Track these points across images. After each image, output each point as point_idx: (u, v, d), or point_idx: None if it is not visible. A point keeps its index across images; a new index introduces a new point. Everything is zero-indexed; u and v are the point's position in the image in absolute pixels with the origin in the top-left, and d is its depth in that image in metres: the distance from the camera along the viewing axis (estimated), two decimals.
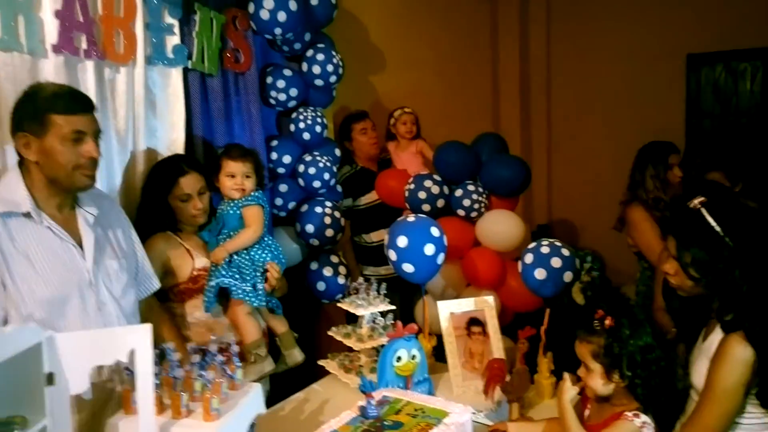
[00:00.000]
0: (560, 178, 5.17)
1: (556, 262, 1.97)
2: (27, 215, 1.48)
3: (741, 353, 1.24)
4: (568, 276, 1.98)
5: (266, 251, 2.15)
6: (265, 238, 2.17)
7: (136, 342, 1.15)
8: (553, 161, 5.30)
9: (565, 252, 1.99)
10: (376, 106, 3.57)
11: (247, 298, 2.02)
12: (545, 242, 2.05)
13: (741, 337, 1.26)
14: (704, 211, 1.30)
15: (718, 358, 1.28)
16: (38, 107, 1.47)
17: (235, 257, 2.07)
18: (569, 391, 1.46)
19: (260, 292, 2.05)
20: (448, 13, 4.35)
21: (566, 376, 1.49)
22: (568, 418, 1.43)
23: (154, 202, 2.01)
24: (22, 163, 1.53)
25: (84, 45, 1.91)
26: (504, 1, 4.98)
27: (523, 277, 2.07)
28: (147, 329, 1.16)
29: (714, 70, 4.67)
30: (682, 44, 4.65)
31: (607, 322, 1.41)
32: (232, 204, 2.12)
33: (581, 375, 1.47)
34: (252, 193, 2.13)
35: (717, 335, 1.33)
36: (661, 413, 1.42)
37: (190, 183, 2.03)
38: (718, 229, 1.27)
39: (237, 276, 2.03)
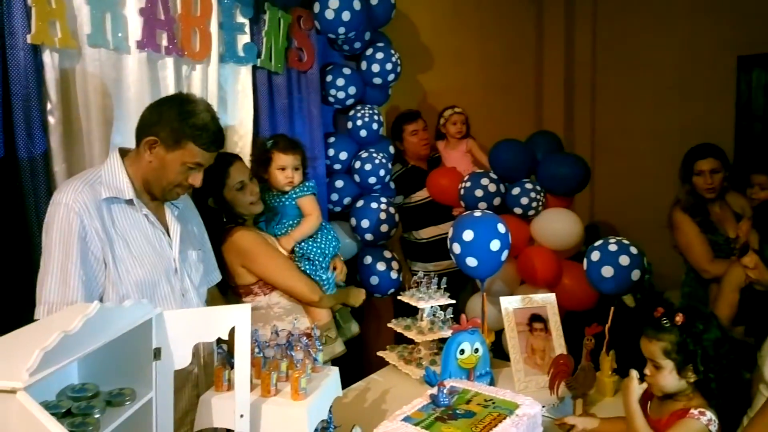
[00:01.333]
0: (604, 179, 5.12)
1: (624, 260, 1.98)
2: (129, 202, 1.56)
3: None
4: (636, 274, 1.98)
5: (330, 237, 2.24)
6: (324, 224, 2.26)
7: (238, 319, 1.21)
8: (596, 161, 5.25)
9: (634, 250, 2.00)
10: (425, 104, 3.61)
11: (323, 284, 2.13)
12: (612, 240, 2.06)
13: None
14: None
15: None
16: (184, 131, 1.54)
17: (303, 245, 2.15)
18: (637, 390, 1.46)
19: (332, 280, 2.16)
20: (495, 13, 4.37)
21: (633, 374, 1.48)
22: (636, 418, 1.43)
23: (214, 198, 2.03)
24: (126, 154, 1.61)
25: (165, 42, 2.00)
26: (550, 1, 4.97)
27: (588, 274, 2.08)
28: (247, 308, 1.22)
29: (766, 72, 4.59)
30: (733, 46, 4.57)
31: (678, 318, 1.41)
32: (286, 196, 2.19)
33: (648, 373, 1.47)
34: (305, 183, 2.22)
35: None
36: (728, 408, 1.41)
37: (240, 170, 2.05)
38: None
39: (307, 264, 2.11)
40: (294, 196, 2.21)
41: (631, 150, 4.89)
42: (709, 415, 1.37)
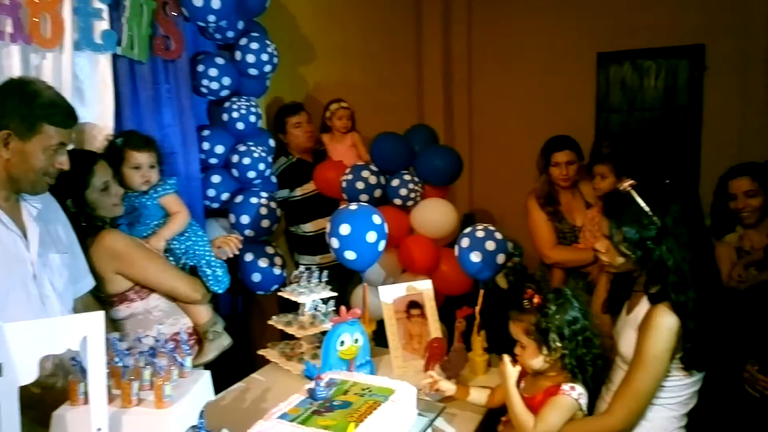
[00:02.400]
0: (481, 169, 5.39)
1: (490, 245, 2.08)
2: None
3: (667, 322, 1.36)
4: (501, 258, 2.10)
5: (200, 233, 2.18)
6: (192, 222, 2.19)
7: (89, 329, 1.13)
8: (474, 153, 5.51)
9: (498, 236, 2.12)
10: (309, 97, 3.59)
11: (209, 280, 2.11)
12: (480, 227, 2.16)
13: (667, 307, 1.37)
14: (634, 193, 1.42)
15: (646, 328, 1.39)
16: (35, 114, 1.44)
17: (178, 244, 2.08)
18: (512, 373, 1.53)
19: (219, 274, 2.12)
20: (375, 8, 4.42)
21: (506, 358, 1.55)
22: (514, 401, 1.51)
23: (73, 200, 1.85)
24: None
25: (9, 29, 1.82)
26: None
27: (459, 260, 2.17)
28: (100, 316, 1.15)
29: (622, 67, 5.03)
30: (593, 43, 4.97)
31: (536, 300, 1.51)
32: (146, 196, 2.09)
33: (517, 353, 1.55)
34: (166, 181, 2.13)
35: (642, 307, 1.44)
36: (588, 380, 1.52)
37: (104, 169, 1.91)
38: (646, 209, 1.39)
39: (188, 260, 2.09)
40: (155, 195, 2.10)
41: (506, 142, 5.17)
42: (579, 389, 1.47)
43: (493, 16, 5.29)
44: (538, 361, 1.51)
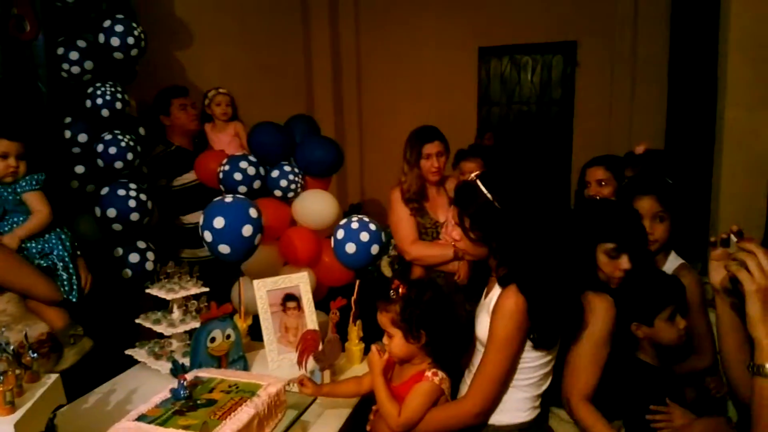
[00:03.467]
0: (371, 160, 5.46)
1: (364, 236, 2.10)
2: None
3: (515, 303, 1.41)
4: (375, 249, 2.12)
5: (62, 236, 2.03)
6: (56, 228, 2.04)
7: None
8: (364, 144, 5.56)
9: (373, 227, 2.14)
10: (187, 84, 3.42)
11: (65, 286, 1.97)
12: (355, 218, 2.17)
13: (515, 289, 1.43)
14: (479, 183, 1.48)
15: (496, 310, 1.44)
16: None
17: (33, 244, 1.93)
18: (378, 363, 1.56)
19: (74, 283, 1.99)
20: None
21: (374, 348, 1.58)
22: (381, 391, 1.54)
23: None
24: None
25: None
26: None
27: (335, 252, 2.18)
28: None
29: (501, 62, 5.27)
30: (475, 38, 5.17)
31: (401, 290, 1.55)
32: (8, 188, 1.94)
33: (385, 342, 1.58)
34: (33, 176, 2.00)
35: (496, 291, 1.49)
36: (452, 365, 1.59)
37: None
38: (489, 196, 1.46)
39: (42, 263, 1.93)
40: (18, 189, 1.95)
41: (395, 134, 5.22)
42: (441, 374, 1.53)
43: (380, 10, 5.35)
44: (405, 349, 1.54)
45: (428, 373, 1.53)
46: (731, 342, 1.24)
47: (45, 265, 1.97)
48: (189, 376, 1.61)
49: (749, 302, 1.04)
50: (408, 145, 2.56)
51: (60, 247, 2.02)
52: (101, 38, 2.55)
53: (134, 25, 2.60)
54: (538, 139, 5.26)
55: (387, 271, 3.03)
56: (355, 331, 2.09)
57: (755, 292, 1.03)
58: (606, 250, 1.66)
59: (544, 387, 1.56)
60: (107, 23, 2.55)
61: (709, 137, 3.20)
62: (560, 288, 1.45)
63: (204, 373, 1.68)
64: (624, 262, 1.64)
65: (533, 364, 1.50)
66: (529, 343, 1.48)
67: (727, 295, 1.20)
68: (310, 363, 1.87)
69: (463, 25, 5.14)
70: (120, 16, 2.57)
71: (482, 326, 1.51)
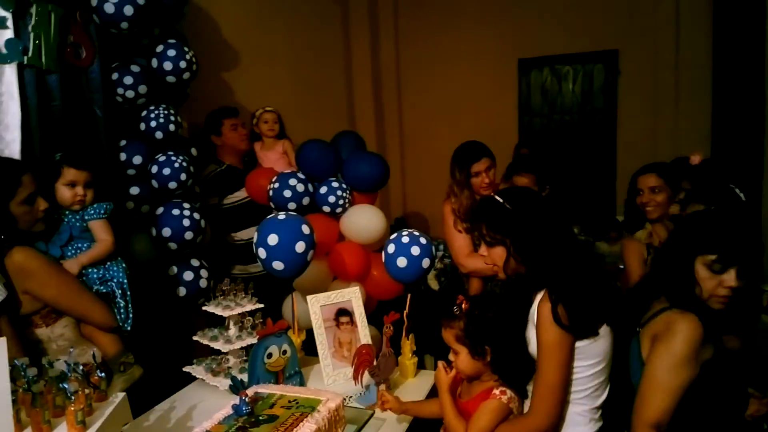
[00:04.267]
0: (413, 173, 5.46)
1: (415, 251, 2.11)
2: None
3: (549, 307, 1.43)
4: (426, 262, 2.13)
5: (121, 264, 2.09)
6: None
7: None
8: (406, 157, 5.58)
9: (423, 240, 2.14)
10: (236, 105, 3.51)
11: (121, 313, 2.01)
12: (405, 232, 2.18)
13: (546, 294, 1.46)
14: (498, 198, 1.56)
15: (537, 321, 1.47)
16: None
17: (95, 270, 1.99)
18: (445, 380, 1.57)
19: (130, 316, 2.03)
20: (300, 11, 4.39)
21: (440, 365, 1.59)
22: (447, 409, 1.54)
23: None
24: None
25: None
26: (354, 5, 5.14)
27: (386, 266, 2.19)
28: (1, 342, 1.08)
29: (541, 73, 5.23)
30: (514, 50, 5.15)
31: (464, 305, 1.55)
32: (76, 216, 2.02)
33: (452, 359, 1.58)
34: (101, 204, 2.07)
35: (534, 304, 1.51)
36: (520, 383, 1.56)
37: (30, 183, 1.83)
38: (500, 200, 1.55)
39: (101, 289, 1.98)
40: (86, 217, 2.03)
41: (436, 147, 5.24)
42: (510, 393, 1.51)
43: (419, 25, 5.39)
44: (471, 366, 1.54)
45: (496, 391, 1.52)
46: None
47: (104, 291, 2.02)
48: (249, 392, 1.64)
49: None
50: (455, 165, 2.58)
51: (120, 275, 2.07)
52: (154, 63, 2.64)
53: (185, 49, 2.69)
54: (582, 148, 5.17)
55: (434, 285, 3.02)
56: (408, 345, 2.09)
57: None
58: (707, 263, 1.48)
59: (602, 399, 1.54)
60: (160, 48, 2.64)
61: (757, 141, 3.10)
62: (579, 271, 1.48)
63: (263, 389, 1.70)
64: (730, 278, 1.45)
65: (586, 373, 1.49)
66: (579, 351, 1.46)
67: None
68: (366, 377, 1.88)
69: (502, 37, 5.13)
70: (172, 41, 2.66)
71: (532, 341, 1.51)
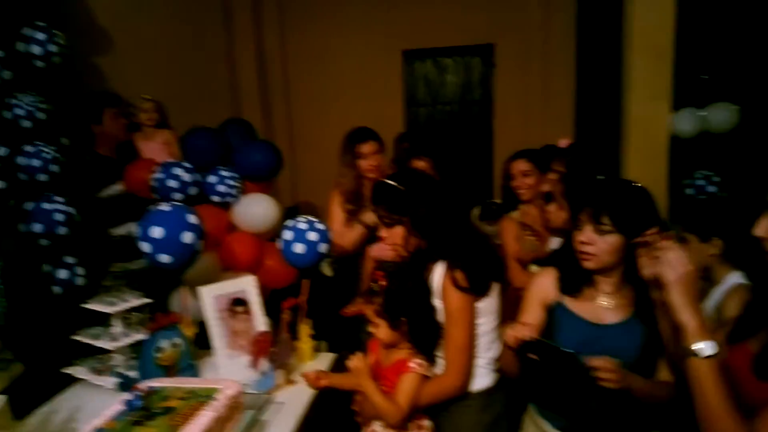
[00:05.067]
0: (303, 163, 5.45)
1: (312, 236, 2.14)
2: None
3: (450, 276, 1.55)
4: (323, 247, 2.16)
5: None
6: None
7: None
8: (296, 147, 5.56)
9: (320, 226, 2.18)
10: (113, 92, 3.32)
11: None
12: (302, 219, 2.20)
13: (445, 265, 1.58)
14: (391, 182, 1.65)
15: (442, 290, 1.58)
16: None
17: None
18: (365, 368, 1.62)
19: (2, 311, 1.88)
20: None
21: (357, 356, 1.65)
22: (375, 394, 1.59)
23: None
24: None
25: None
26: None
27: (283, 253, 2.19)
28: None
29: (425, 64, 5.42)
30: (399, 41, 5.29)
31: (382, 282, 1.65)
32: None
33: (372, 330, 1.67)
34: None
35: (435, 274, 1.61)
36: (429, 349, 1.66)
37: None
38: (393, 183, 1.63)
39: None
40: None
41: (325, 136, 5.27)
42: (423, 363, 1.61)
43: (304, 14, 5.36)
44: (390, 336, 1.64)
45: (412, 364, 1.61)
46: (665, 325, 1.36)
47: None
48: (143, 387, 1.60)
49: (671, 292, 1.15)
50: (342, 146, 2.63)
51: None
52: (21, 47, 2.43)
53: (55, 32, 2.50)
54: (463, 137, 5.45)
55: (327, 271, 3.04)
56: (305, 329, 2.12)
57: (674, 282, 1.14)
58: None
59: (497, 351, 1.67)
60: (27, 31, 2.43)
61: (614, 128, 3.47)
62: (470, 240, 1.63)
63: (157, 383, 1.66)
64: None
65: (485, 329, 1.63)
66: (478, 310, 1.59)
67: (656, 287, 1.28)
68: (264, 364, 1.89)
69: (386, 28, 5.24)
70: (41, 24, 2.47)
71: (438, 310, 1.61)
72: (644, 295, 1.40)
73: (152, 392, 1.59)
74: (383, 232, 1.67)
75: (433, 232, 1.60)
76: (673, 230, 1.65)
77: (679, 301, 1.14)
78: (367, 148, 2.56)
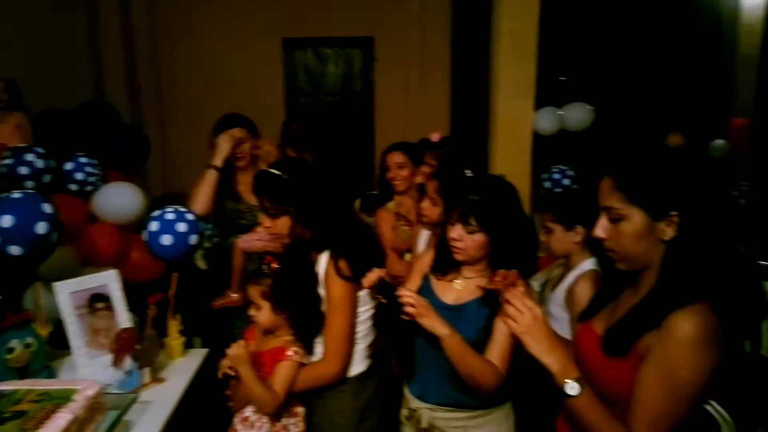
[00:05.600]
0: (177, 149, 5.20)
1: (181, 227, 2.04)
2: None
3: (333, 265, 1.58)
4: (193, 239, 2.08)
5: None
6: None
7: None
8: (169, 133, 5.29)
9: (190, 216, 2.09)
10: None
11: None
12: (170, 209, 2.10)
13: (329, 254, 1.60)
14: (275, 171, 1.63)
15: (325, 279, 1.60)
16: None
17: None
18: (245, 355, 1.57)
19: None
20: None
21: (238, 345, 1.58)
22: (254, 383, 1.55)
23: None
24: None
25: None
26: None
27: (149, 245, 2.09)
28: None
29: (305, 53, 5.39)
30: (279, 29, 5.21)
31: (274, 265, 1.64)
32: None
33: (252, 313, 1.65)
34: None
35: (321, 263, 1.62)
36: (309, 337, 1.67)
37: None
38: (277, 172, 1.62)
39: None
40: None
41: (202, 125, 5.03)
42: (300, 351, 1.62)
43: None
44: (271, 319, 1.63)
45: (289, 352, 1.61)
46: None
47: None
48: None
49: (525, 343, 1.19)
50: (212, 134, 2.55)
51: None
52: None
53: None
54: (344, 128, 5.50)
55: (201, 264, 2.95)
56: (174, 325, 2.04)
57: (523, 334, 1.19)
58: None
59: (371, 338, 1.73)
60: None
61: (484, 123, 3.68)
62: (352, 229, 1.67)
63: (6, 386, 1.53)
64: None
65: (363, 317, 1.67)
66: (358, 299, 1.63)
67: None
68: (128, 362, 1.80)
69: (266, 13, 5.13)
70: None
71: (323, 299, 1.63)
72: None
73: (2, 396, 1.47)
74: (266, 223, 1.65)
75: (318, 222, 1.61)
76: (538, 218, 1.78)
77: (535, 348, 1.18)
78: (234, 133, 2.50)
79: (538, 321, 1.20)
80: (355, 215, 1.84)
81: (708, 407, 1.65)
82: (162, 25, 5.14)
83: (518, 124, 3.50)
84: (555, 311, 1.99)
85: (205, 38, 5.18)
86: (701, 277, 1.09)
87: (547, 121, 3.69)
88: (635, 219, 1.11)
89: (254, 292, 1.65)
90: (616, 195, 1.12)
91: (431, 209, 2.01)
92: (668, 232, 1.10)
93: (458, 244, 1.53)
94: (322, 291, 1.63)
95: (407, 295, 1.45)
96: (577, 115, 3.79)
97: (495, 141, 3.55)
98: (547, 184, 3.57)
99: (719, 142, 5.35)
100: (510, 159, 3.50)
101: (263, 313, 1.64)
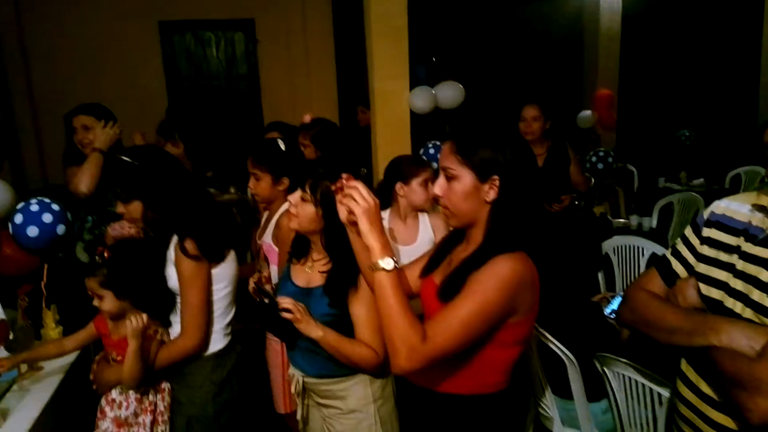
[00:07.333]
0: (54, 144, 4.95)
1: (47, 218, 2.04)
2: None
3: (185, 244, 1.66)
4: (61, 229, 2.07)
5: None
6: None
7: None
8: (43, 128, 5.04)
9: (56, 207, 2.08)
10: None
11: None
12: (34, 200, 2.08)
13: (177, 235, 1.69)
14: (125, 158, 1.69)
15: (175, 258, 1.67)
16: None
17: None
18: (137, 332, 1.61)
19: None
20: None
21: (133, 317, 1.62)
22: (136, 358, 1.61)
23: None
24: None
25: None
26: None
27: (15, 237, 2.06)
28: None
29: (184, 37, 5.28)
30: (154, 12, 5.06)
31: (106, 254, 1.67)
32: None
33: (96, 304, 1.68)
34: None
35: (172, 244, 1.70)
36: (162, 314, 1.74)
37: None
38: (128, 159, 1.68)
39: None
40: None
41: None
42: (159, 329, 1.69)
43: None
44: (116, 306, 1.67)
45: (149, 332, 1.67)
46: (364, 258, 1.62)
47: None
48: None
49: (359, 221, 1.35)
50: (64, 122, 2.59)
51: None
52: None
53: None
54: (231, 113, 5.46)
55: (83, 257, 2.89)
56: (50, 315, 2.04)
57: (361, 214, 1.35)
58: None
59: (231, 317, 1.82)
60: None
61: (367, 103, 3.85)
62: (202, 210, 1.73)
63: None
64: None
65: (219, 295, 1.76)
66: (213, 276, 1.72)
67: (352, 225, 1.46)
68: (2, 352, 1.80)
69: None
70: None
71: (172, 277, 1.71)
72: (335, 271, 1.62)
73: None
74: (120, 208, 1.70)
75: (166, 205, 1.68)
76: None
77: (365, 228, 1.34)
78: (77, 122, 2.55)
79: (376, 207, 1.36)
80: (209, 196, 1.89)
81: (554, 347, 1.93)
82: (26, 11, 4.84)
83: (395, 102, 3.68)
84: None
85: (75, 23, 4.93)
86: (519, 232, 1.30)
87: (422, 99, 3.90)
88: (465, 179, 1.30)
89: (92, 283, 1.68)
90: (453, 157, 1.32)
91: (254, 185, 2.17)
92: (491, 194, 1.30)
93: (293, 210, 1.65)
94: (171, 270, 1.70)
95: (286, 302, 1.57)
96: (449, 93, 4.03)
97: (375, 119, 3.72)
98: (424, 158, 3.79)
99: (586, 113, 5.88)
100: (390, 136, 3.69)
101: (107, 302, 1.68)
